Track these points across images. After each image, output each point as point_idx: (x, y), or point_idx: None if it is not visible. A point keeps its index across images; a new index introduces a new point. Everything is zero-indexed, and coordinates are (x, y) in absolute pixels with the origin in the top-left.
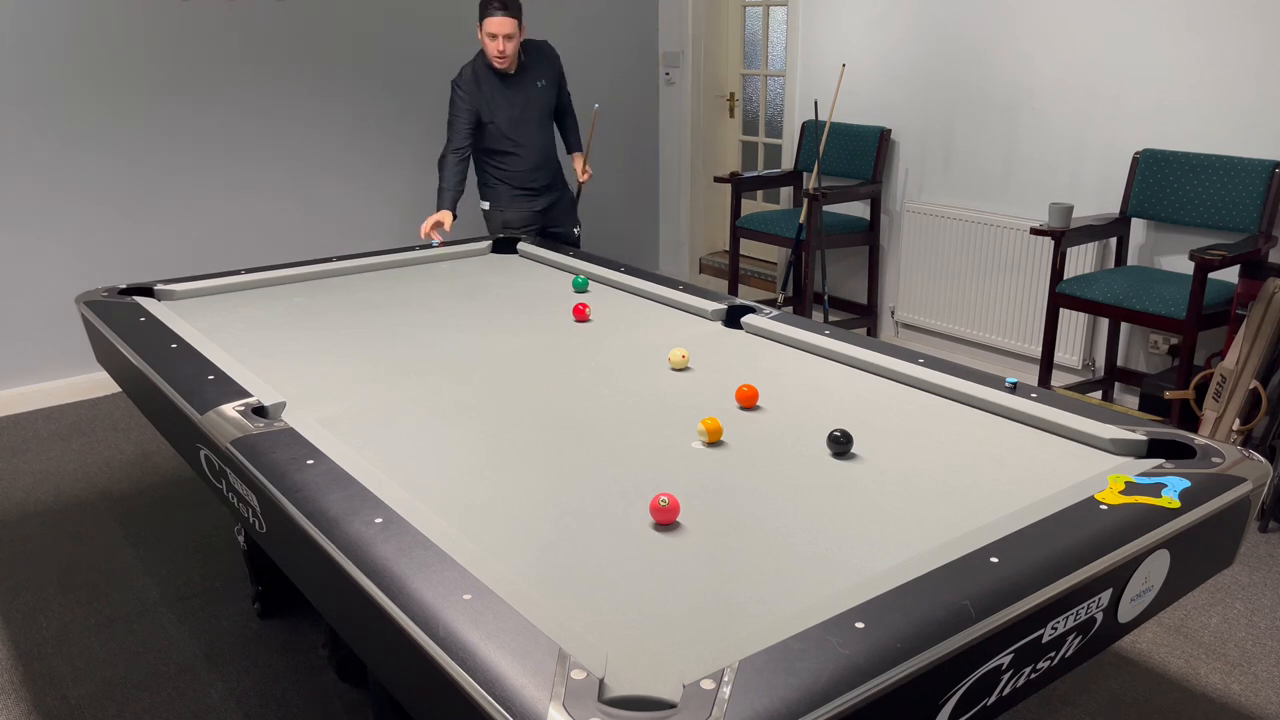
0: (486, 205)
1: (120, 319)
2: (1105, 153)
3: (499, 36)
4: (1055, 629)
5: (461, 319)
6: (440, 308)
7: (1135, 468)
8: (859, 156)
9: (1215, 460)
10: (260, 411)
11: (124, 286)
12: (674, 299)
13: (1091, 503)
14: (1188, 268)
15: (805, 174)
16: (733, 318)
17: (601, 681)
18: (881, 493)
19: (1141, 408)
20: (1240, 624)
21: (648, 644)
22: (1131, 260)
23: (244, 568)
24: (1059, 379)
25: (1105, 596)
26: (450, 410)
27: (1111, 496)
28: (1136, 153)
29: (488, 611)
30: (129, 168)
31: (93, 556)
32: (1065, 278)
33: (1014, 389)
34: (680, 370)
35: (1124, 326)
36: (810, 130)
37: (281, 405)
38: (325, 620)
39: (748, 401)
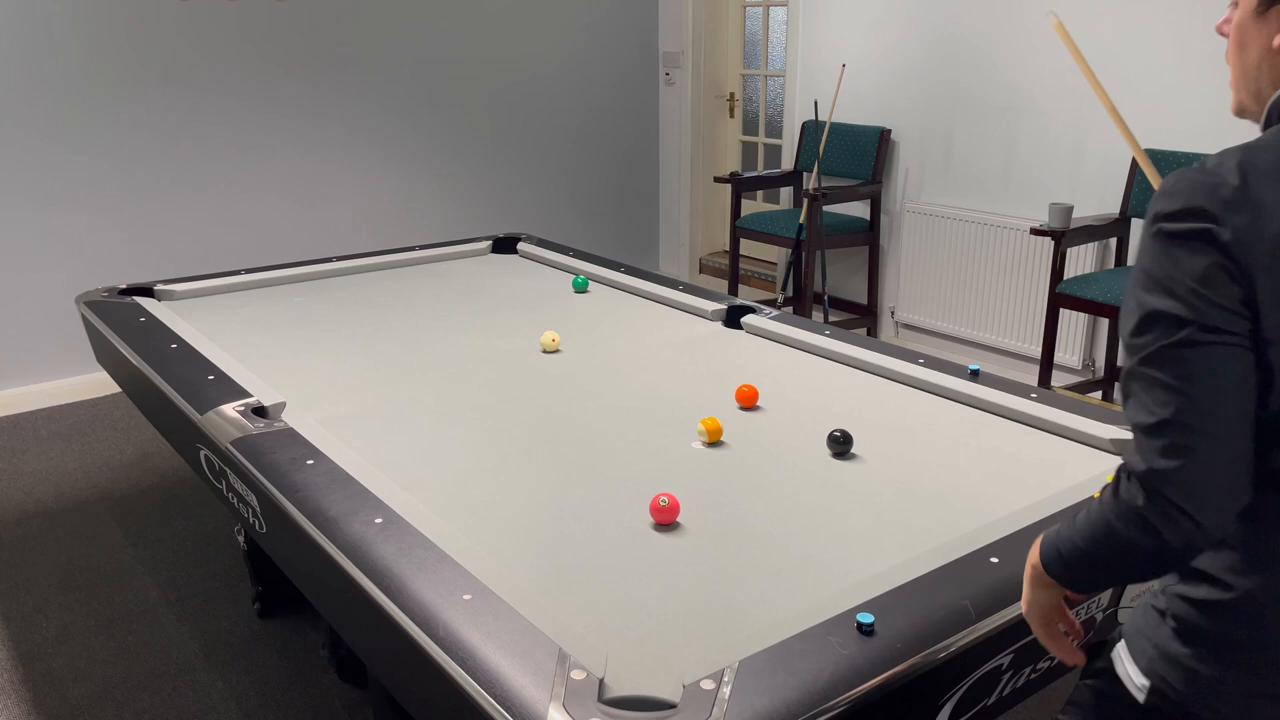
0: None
1: (120, 319)
2: (1105, 153)
3: None
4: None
5: (461, 319)
6: (440, 308)
7: None
8: (859, 156)
9: None
10: (260, 411)
11: (124, 286)
12: (674, 299)
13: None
14: None
15: (805, 174)
16: (733, 318)
17: (601, 681)
18: (881, 493)
19: None
20: None
21: (648, 644)
22: (1131, 260)
23: (244, 568)
24: (1059, 379)
25: (1105, 597)
26: (450, 410)
27: None
28: None
29: (488, 611)
30: (129, 168)
31: (93, 556)
32: (1065, 278)
33: (975, 376)
34: (551, 353)
35: None
36: (810, 130)
37: (281, 405)
38: (325, 620)
39: (748, 401)
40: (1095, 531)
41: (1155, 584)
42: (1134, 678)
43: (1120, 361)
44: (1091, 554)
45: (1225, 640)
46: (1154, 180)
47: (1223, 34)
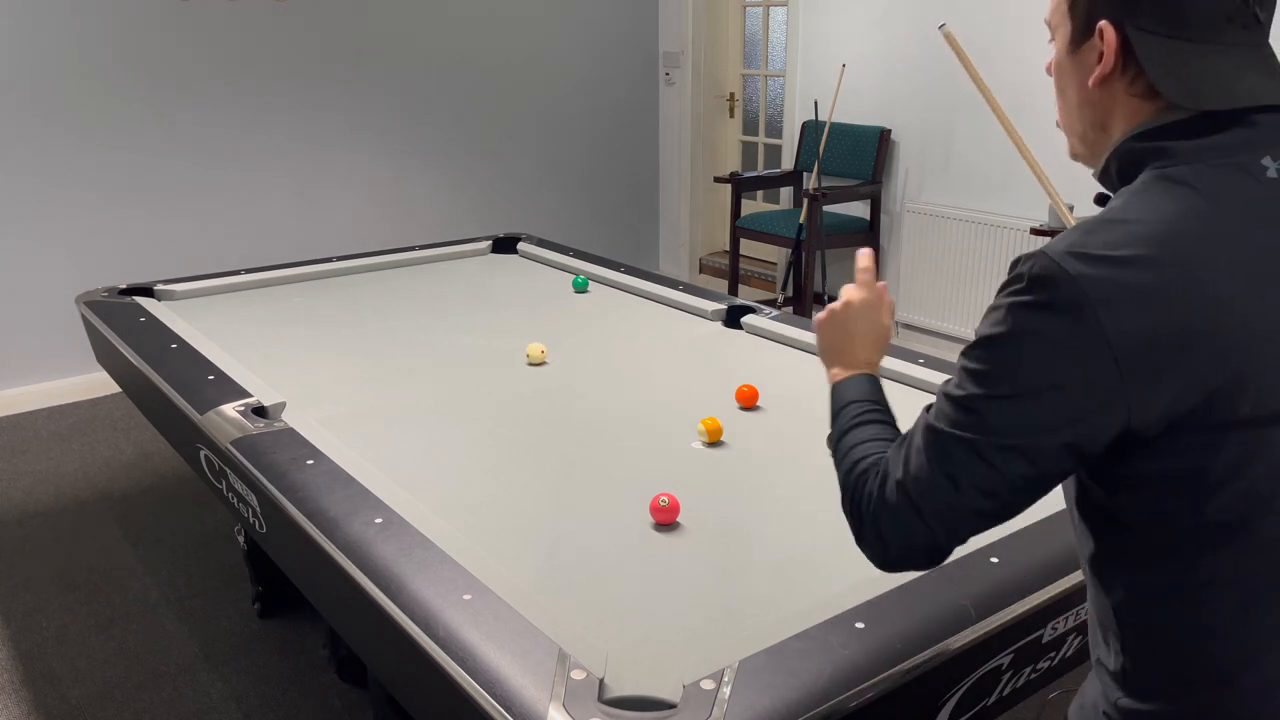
0: None
1: (120, 319)
2: None
3: None
4: (1055, 629)
5: (461, 319)
6: (440, 308)
7: None
8: (859, 156)
9: None
10: (260, 411)
11: (124, 286)
12: (674, 299)
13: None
14: None
15: (805, 174)
16: (733, 318)
17: (601, 681)
18: None
19: None
20: None
21: (648, 644)
22: None
23: (244, 568)
24: None
25: None
26: (450, 410)
27: None
28: None
29: (488, 611)
30: (129, 168)
31: (93, 556)
32: None
33: None
34: (538, 365)
35: None
36: (810, 130)
37: (281, 405)
38: (325, 620)
39: (748, 401)
40: (841, 454)
41: (1099, 694)
42: None
43: None
44: (835, 448)
45: None
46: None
47: (1051, 74)
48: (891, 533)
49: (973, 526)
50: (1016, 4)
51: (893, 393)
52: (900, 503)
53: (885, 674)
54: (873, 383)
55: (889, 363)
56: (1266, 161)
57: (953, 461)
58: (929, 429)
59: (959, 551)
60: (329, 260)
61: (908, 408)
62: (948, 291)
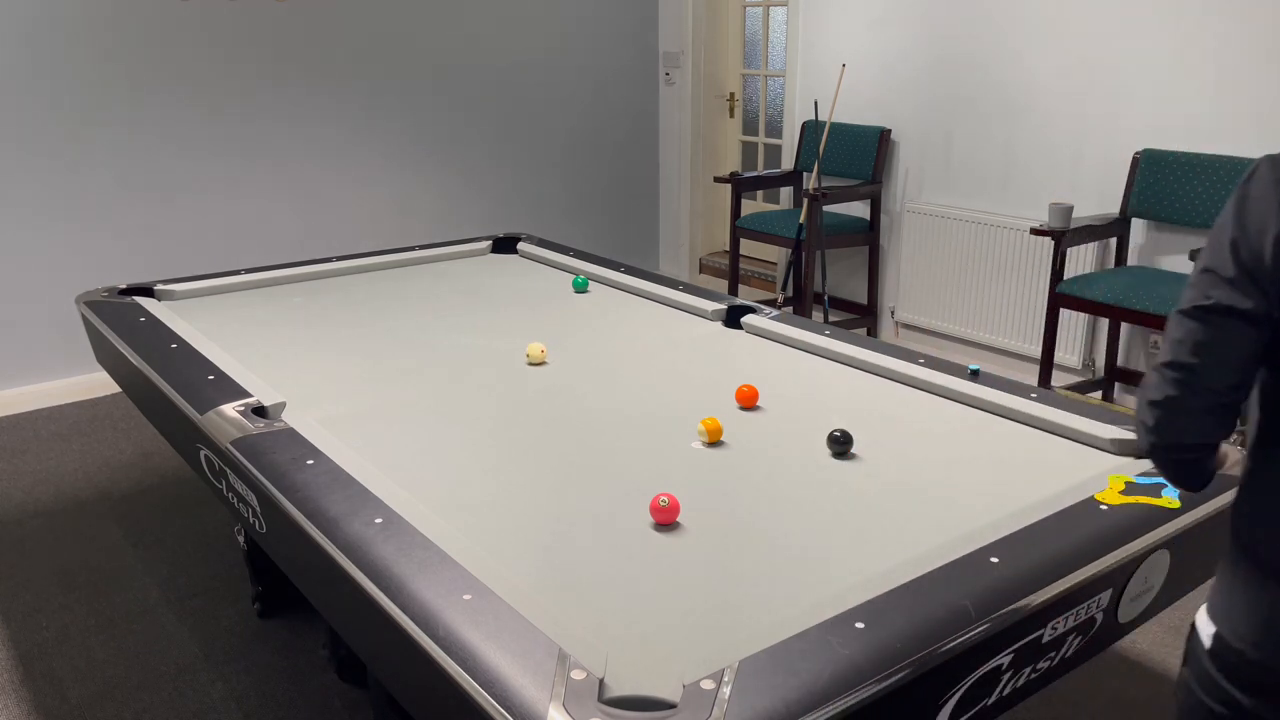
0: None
1: (120, 319)
2: (1105, 153)
3: None
4: (1055, 629)
5: (461, 319)
6: (440, 308)
7: (1135, 468)
8: (859, 156)
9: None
10: (260, 411)
11: (124, 286)
12: (674, 299)
13: (1091, 503)
14: (1188, 268)
15: (805, 174)
16: (733, 318)
17: (601, 681)
18: (881, 493)
19: None
20: None
21: (648, 644)
22: (1131, 260)
23: (244, 568)
24: (1059, 379)
25: (1105, 597)
26: (450, 410)
27: (1111, 496)
28: (1136, 153)
29: (488, 611)
30: (129, 168)
31: (93, 556)
32: (1065, 278)
33: (975, 375)
34: (538, 365)
35: (1124, 327)
36: (810, 130)
37: (281, 405)
38: (325, 620)
39: (748, 401)
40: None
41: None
42: (1203, 626)
43: (1119, 361)
44: None
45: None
46: None
47: None
48: (1152, 412)
49: (1217, 380)
50: (1016, 6)
51: (893, 392)
52: (1153, 381)
53: (885, 674)
54: None
55: (889, 362)
56: None
57: (1185, 329)
58: (1171, 316)
59: (959, 551)
60: (329, 260)
61: (908, 407)
62: (948, 291)
